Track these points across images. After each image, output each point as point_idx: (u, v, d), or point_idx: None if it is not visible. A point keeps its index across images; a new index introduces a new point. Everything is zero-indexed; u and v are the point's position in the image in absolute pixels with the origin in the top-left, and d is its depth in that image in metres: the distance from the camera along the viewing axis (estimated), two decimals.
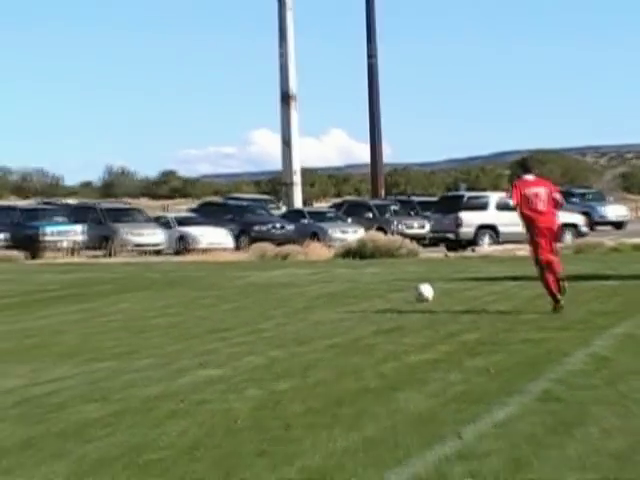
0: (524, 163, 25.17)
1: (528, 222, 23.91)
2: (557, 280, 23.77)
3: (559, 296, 23.49)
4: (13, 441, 12.07)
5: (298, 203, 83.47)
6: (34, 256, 60.55)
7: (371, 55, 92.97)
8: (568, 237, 61.01)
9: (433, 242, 61.70)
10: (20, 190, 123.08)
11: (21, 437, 12.30)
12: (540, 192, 24.07)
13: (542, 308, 23.85)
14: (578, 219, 66.19)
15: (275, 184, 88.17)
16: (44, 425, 12.96)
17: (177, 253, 62.44)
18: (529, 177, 24.53)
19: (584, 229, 65.38)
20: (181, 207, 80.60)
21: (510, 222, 62.40)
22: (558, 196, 24.57)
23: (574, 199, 75.99)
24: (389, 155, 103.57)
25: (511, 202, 24.11)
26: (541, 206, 23.74)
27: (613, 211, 78.64)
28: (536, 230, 23.86)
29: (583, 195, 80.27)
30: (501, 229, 59.49)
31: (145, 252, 62.54)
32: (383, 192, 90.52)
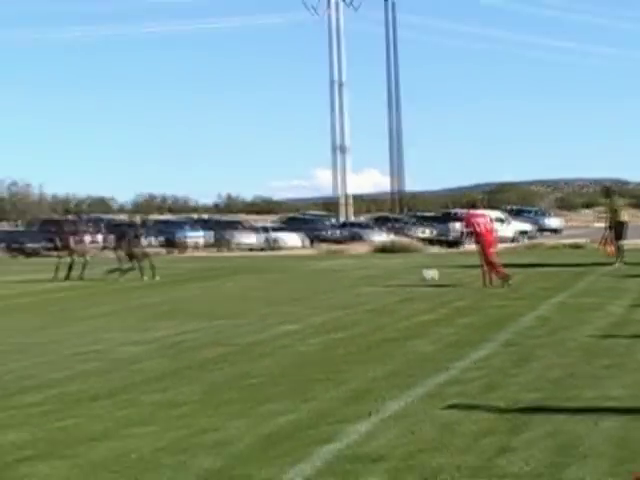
0: (474, 203, 27.27)
1: (477, 238, 25.14)
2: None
3: (508, 276, 23.96)
4: (165, 370, 12.14)
5: (347, 217, 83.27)
6: (177, 252, 60.65)
7: (396, 120, 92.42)
8: (524, 239, 60.94)
9: (435, 242, 61.35)
10: (164, 209, 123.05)
11: (170, 368, 12.36)
12: (482, 220, 25.27)
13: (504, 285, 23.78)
14: (530, 227, 66.22)
15: (332, 205, 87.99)
16: (182, 361, 13.00)
17: (271, 249, 62.31)
18: (476, 211, 26.49)
19: (534, 233, 65.28)
20: (273, 219, 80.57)
21: None
22: (490, 219, 26.85)
23: (527, 214, 75.80)
24: (407, 185, 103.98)
25: (465, 228, 26.03)
26: (484, 228, 24.81)
27: (553, 222, 78.41)
28: (484, 243, 24.70)
29: (532, 212, 79.88)
30: None
31: (246, 249, 62.59)
32: (405, 209, 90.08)
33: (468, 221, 25.84)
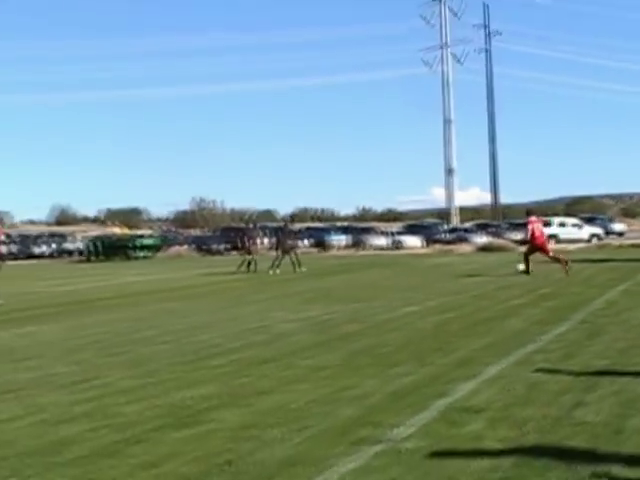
0: (530, 211, 28.06)
1: (532, 239, 25.71)
2: (554, 259, 25.68)
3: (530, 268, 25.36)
4: (315, 341, 12.21)
5: (455, 224, 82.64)
6: (324, 251, 61.04)
7: (494, 147, 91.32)
8: (595, 240, 59.72)
9: (524, 243, 60.36)
10: (315, 218, 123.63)
11: (318, 340, 12.42)
12: (539, 226, 26.22)
13: (579, 277, 23.37)
14: (600, 231, 64.77)
15: (444, 214, 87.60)
16: (327, 334, 13.06)
17: (396, 249, 62.07)
18: (533, 218, 26.32)
19: (602, 236, 63.87)
20: (398, 226, 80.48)
21: (564, 232, 61.68)
22: (543, 224, 28.16)
23: (598, 221, 74.02)
24: (502, 198, 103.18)
25: (529, 233, 26.20)
26: (539, 233, 25.75)
27: (618, 227, 76.24)
28: (537, 245, 25.61)
29: (602, 219, 78.08)
30: (561, 236, 58.38)
31: (377, 248, 62.60)
32: (501, 217, 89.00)
33: (530, 227, 26.28)
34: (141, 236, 64.21)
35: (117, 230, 64.87)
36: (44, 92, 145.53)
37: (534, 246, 25.60)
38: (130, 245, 58.39)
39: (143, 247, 59.06)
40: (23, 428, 7.30)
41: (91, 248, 59.00)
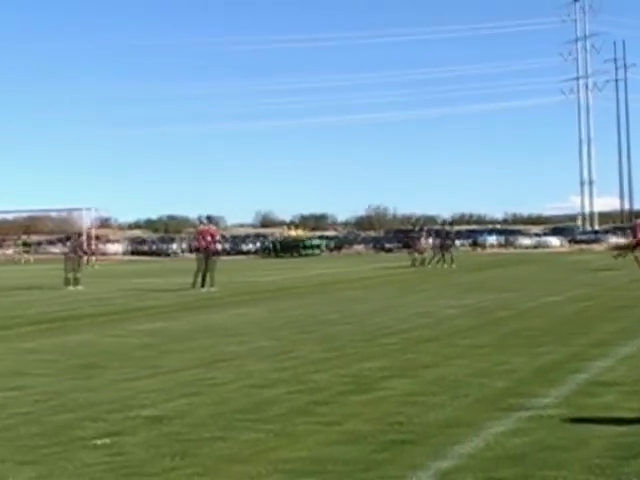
0: (638, 215, 27.09)
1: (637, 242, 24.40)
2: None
3: None
4: (468, 325, 12.00)
5: (592, 227, 79.75)
6: (479, 249, 60.18)
7: (627, 161, 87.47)
8: None
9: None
10: (471, 222, 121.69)
11: (475, 323, 12.21)
12: None
13: None
14: None
15: (581, 219, 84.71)
16: (482, 319, 12.83)
17: (541, 248, 60.27)
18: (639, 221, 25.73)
19: None
20: (543, 228, 78.24)
21: None
22: None
23: None
24: (636, 204, 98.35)
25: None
26: None
27: None
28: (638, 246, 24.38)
29: None
30: None
31: (524, 247, 61.09)
32: (633, 220, 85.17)
33: (635, 228, 24.99)
34: (310, 237, 66.47)
35: (292, 232, 67.31)
36: (249, 120, 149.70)
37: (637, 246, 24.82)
38: (300, 245, 60.75)
39: (312, 246, 61.33)
40: (235, 390, 7.56)
41: (271, 247, 61.71)
